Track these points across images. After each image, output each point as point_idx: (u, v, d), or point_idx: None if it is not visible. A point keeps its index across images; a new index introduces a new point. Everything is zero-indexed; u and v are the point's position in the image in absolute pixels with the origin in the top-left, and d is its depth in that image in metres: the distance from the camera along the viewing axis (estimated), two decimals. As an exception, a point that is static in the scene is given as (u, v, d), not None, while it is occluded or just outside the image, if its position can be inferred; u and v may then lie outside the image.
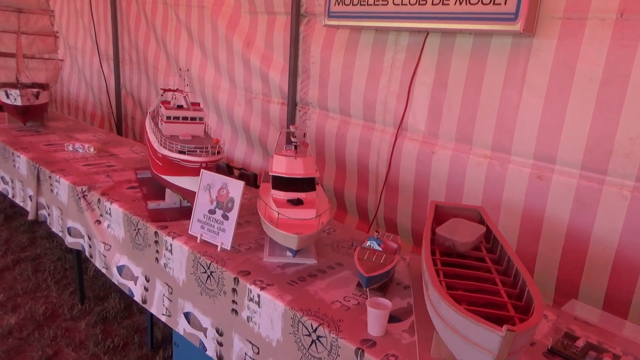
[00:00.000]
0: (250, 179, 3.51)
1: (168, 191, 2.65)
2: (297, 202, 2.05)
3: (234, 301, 1.99)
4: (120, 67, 5.82)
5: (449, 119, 2.81)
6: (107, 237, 2.76)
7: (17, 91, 3.93)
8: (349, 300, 1.84)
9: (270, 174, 2.17)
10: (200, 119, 2.80)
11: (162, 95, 3.14)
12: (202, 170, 2.30)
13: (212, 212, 2.24)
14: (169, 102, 2.91)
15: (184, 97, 2.83)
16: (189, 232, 2.31)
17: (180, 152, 2.36)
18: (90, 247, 2.92)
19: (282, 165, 2.16)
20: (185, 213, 2.59)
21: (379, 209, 3.27)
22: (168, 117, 2.71)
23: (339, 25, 3.15)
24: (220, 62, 4.31)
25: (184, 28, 4.62)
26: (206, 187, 2.27)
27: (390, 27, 2.97)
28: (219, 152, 2.41)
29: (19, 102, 3.99)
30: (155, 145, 2.62)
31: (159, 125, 2.84)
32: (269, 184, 2.44)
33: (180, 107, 2.87)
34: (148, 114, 3.20)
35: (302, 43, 3.63)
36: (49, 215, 3.30)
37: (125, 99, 5.89)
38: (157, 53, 5.10)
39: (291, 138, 2.41)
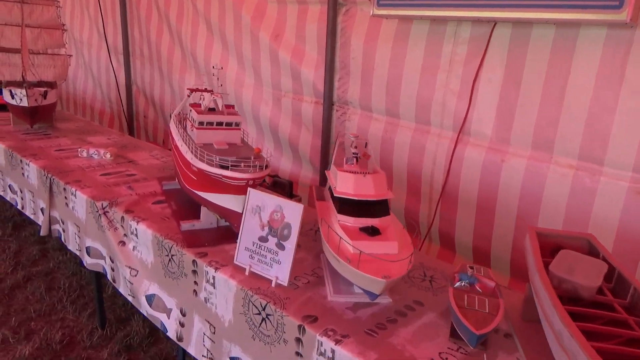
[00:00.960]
0: (286, 188, 3.16)
1: (204, 210, 2.29)
2: (373, 232, 1.69)
3: (298, 353, 1.64)
4: (131, 61, 5.43)
5: (523, 122, 2.43)
6: (134, 260, 2.40)
7: (23, 91, 3.55)
8: (446, 359, 1.49)
9: (336, 195, 1.80)
10: (237, 124, 2.44)
11: (189, 96, 2.77)
12: (249, 189, 1.94)
13: (263, 239, 1.88)
14: (199, 105, 2.54)
15: (214, 98, 2.45)
16: (235, 261, 1.95)
17: (222, 166, 1.99)
18: (113, 270, 2.56)
19: (349, 184, 1.80)
20: (224, 235, 2.23)
21: (434, 222, 2.91)
22: (201, 123, 2.35)
23: (390, 15, 2.76)
24: (244, 56, 3.92)
25: (203, 19, 4.23)
26: (255, 209, 1.91)
27: (450, 17, 2.59)
28: (266, 166, 2.04)
29: (25, 103, 3.62)
30: (188, 156, 2.26)
31: (189, 130, 2.47)
32: (326, 202, 2.08)
33: (212, 110, 2.50)
34: (173, 117, 2.83)
35: (341, 35, 3.24)
36: (63, 231, 2.94)
37: (136, 95, 5.51)
38: (171, 47, 4.71)
39: (351, 149, 2.04)
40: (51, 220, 3.03)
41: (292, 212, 1.81)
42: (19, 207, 3.41)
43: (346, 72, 3.25)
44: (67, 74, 3.94)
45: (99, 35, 5.77)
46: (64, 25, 4.05)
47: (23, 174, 3.25)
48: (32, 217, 3.26)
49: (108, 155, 3.28)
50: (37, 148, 3.45)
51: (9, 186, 3.50)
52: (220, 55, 4.16)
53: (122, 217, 2.45)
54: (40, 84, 3.79)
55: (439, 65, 2.73)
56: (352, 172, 1.84)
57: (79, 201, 2.69)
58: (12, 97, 3.64)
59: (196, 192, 2.27)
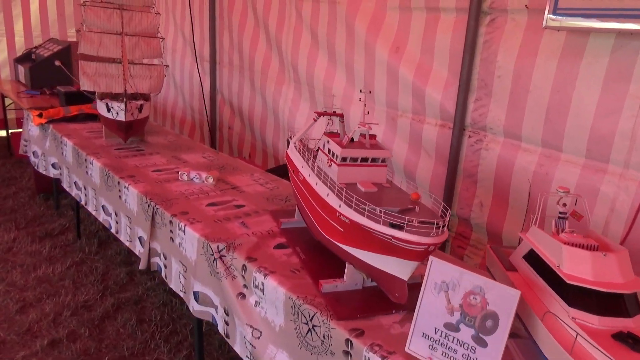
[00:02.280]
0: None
1: (350, 268, 1.85)
2: (635, 344, 1.18)
3: None
4: (217, 69, 5.14)
5: None
6: (256, 319, 2.00)
7: (121, 105, 3.27)
8: None
9: (569, 283, 1.30)
10: (384, 160, 1.99)
11: (315, 120, 2.36)
12: (433, 259, 1.48)
13: (452, 327, 1.42)
14: (337, 135, 2.11)
15: (361, 129, 2.01)
16: (407, 348, 1.50)
17: (392, 225, 1.54)
18: (227, 324, 2.18)
19: (586, 267, 1.30)
20: (376, 301, 1.78)
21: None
22: (344, 159, 1.92)
23: (566, 27, 2.24)
24: (355, 71, 3.49)
25: (307, 28, 3.83)
26: (440, 286, 1.45)
27: (651, 31, 2.05)
28: (444, 226, 1.57)
29: (122, 117, 3.33)
30: (332, 201, 1.83)
31: (322, 164, 2.05)
32: (519, 275, 1.59)
33: (352, 141, 2.06)
34: (293, 143, 2.42)
35: (482, 49, 2.74)
36: (165, 266, 2.60)
37: (221, 105, 5.21)
38: (268, 57, 4.35)
39: (559, 207, 1.54)
40: (151, 252, 2.70)
41: (502, 298, 1.33)
42: (113, 230, 3.11)
43: (486, 92, 2.75)
44: (162, 86, 3.64)
45: (184, 41, 5.52)
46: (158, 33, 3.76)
47: (120, 197, 2.95)
48: (127, 244, 2.95)
49: (210, 180, 2.92)
50: (134, 168, 3.14)
51: (103, 207, 3.22)
52: (326, 68, 3.75)
53: (244, 266, 2.05)
54: (135, 96, 3.50)
55: (626, 90, 2.18)
56: (586, 248, 1.34)
57: (189, 238, 2.33)
58: (109, 111, 3.36)
59: (341, 246, 1.83)
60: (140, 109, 3.38)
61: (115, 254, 3.94)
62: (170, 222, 2.46)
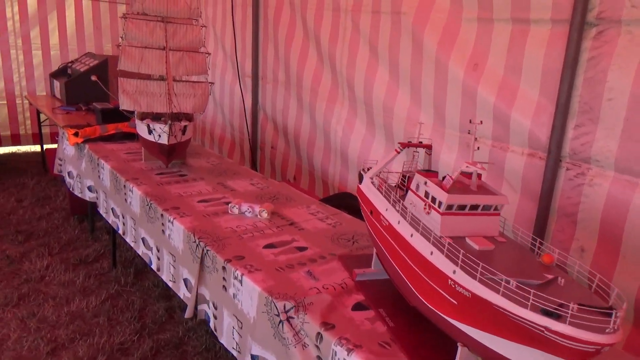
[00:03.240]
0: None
1: (464, 351, 1.44)
2: None
3: None
4: (260, 85, 4.81)
5: None
6: (336, 403, 1.62)
7: (165, 127, 2.94)
8: None
9: None
10: (498, 208, 1.59)
11: (398, 152, 1.98)
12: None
13: None
14: (434, 174, 1.71)
15: (472, 168, 1.61)
16: None
17: (545, 312, 1.14)
18: (294, 400, 1.80)
19: None
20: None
21: None
22: (449, 207, 1.52)
23: None
24: (422, 89, 3.10)
25: (365, 42, 3.46)
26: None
27: None
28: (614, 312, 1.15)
29: (164, 140, 3.01)
30: (441, 263, 1.43)
31: (415, 209, 1.66)
32: None
33: (455, 183, 1.66)
34: (369, 179, 2.04)
35: (587, 68, 2.32)
36: (215, 317, 2.24)
37: (263, 124, 4.87)
38: (318, 72, 4.00)
39: None
40: (198, 298, 2.34)
41: None
42: (154, 267, 2.78)
43: (592, 117, 2.32)
44: (206, 105, 3.31)
45: (225, 55, 5.23)
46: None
47: (163, 231, 2.61)
48: (170, 284, 2.61)
49: (265, 215, 2.56)
50: (177, 197, 2.80)
51: (143, 239, 2.89)
52: (387, 86, 3.36)
53: (319, 335, 1.66)
54: (178, 116, 3.18)
55: None
56: None
57: (247, 290, 1.96)
58: (150, 133, 3.04)
59: (453, 322, 1.43)
60: (183, 130, 3.06)
61: (153, 286, 3.61)
62: (224, 268, 2.10)
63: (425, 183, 1.65)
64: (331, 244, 2.34)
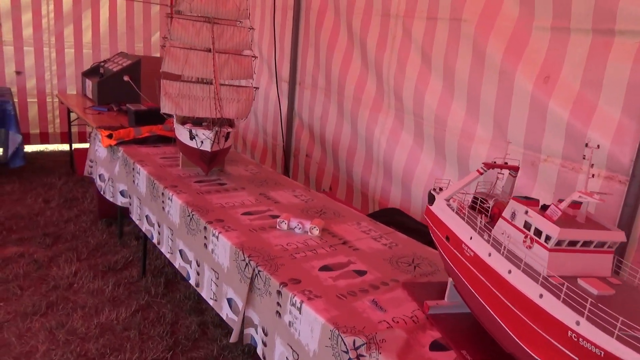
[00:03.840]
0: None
1: (583, 415, 1.23)
2: None
3: None
4: (297, 91, 4.64)
5: None
6: None
7: (209, 133, 2.76)
8: None
9: None
10: (612, 245, 1.37)
11: (481, 173, 1.77)
12: None
13: None
14: (535, 202, 1.50)
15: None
16: None
17: None
18: None
19: None
20: None
21: None
22: (559, 243, 1.31)
23: None
24: (481, 101, 2.88)
25: (417, 49, 3.26)
26: None
27: None
28: None
29: (207, 147, 2.84)
30: (557, 310, 1.21)
31: (509, 241, 1.45)
32: None
33: (558, 214, 1.44)
34: (445, 201, 1.83)
35: (682, 84, 2.09)
36: (265, 345, 2.04)
37: (298, 130, 4.69)
38: (362, 79, 3.80)
39: None
40: (245, 321, 2.15)
41: None
42: (192, 282, 2.60)
43: (685, 140, 2.08)
44: (250, 111, 3.13)
45: (261, 57, 5.06)
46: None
47: (206, 245, 2.43)
48: (210, 302, 2.42)
49: (316, 232, 2.36)
50: (220, 208, 2.62)
51: (180, 251, 2.71)
52: (440, 96, 3.15)
53: (397, 380, 1.46)
54: (220, 122, 3.01)
55: None
56: None
57: (307, 320, 1.76)
58: (192, 139, 2.87)
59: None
60: (226, 137, 2.88)
61: (184, 298, 3.43)
62: (279, 292, 1.90)
63: (527, 212, 1.43)
64: (391, 267, 2.13)
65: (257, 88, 3.12)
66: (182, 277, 3.65)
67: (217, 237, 2.33)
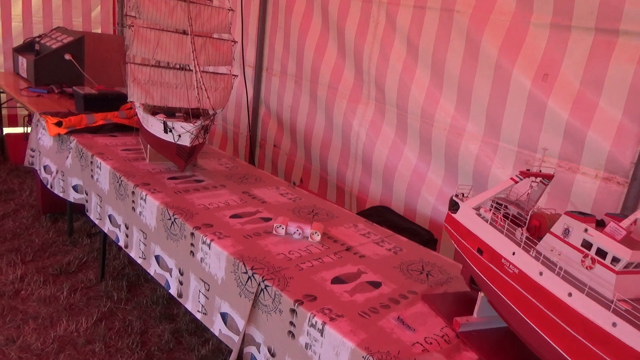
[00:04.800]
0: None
1: None
2: None
3: None
4: (263, 77, 4.37)
5: None
6: None
7: (189, 126, 2.47)
8: None
9: None
10: (672, 263, 1.30)
11: (516, 181, 1.66)
12: None
13: None
14: (591, 218, 1.40)
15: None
16: None
17: None
18: None
19: None
20: None
21: None
22: (628, 265, 1.22)
23: None
24: (473, 97, 2.80)
25: (402, 39, 3.11)
26: None
27: None
28: None
29: (185, 142, 2.54)
30: (632, 340, 1.12)
31: (562, 259, 1.35)
32: None
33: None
34: (474, 209, 1.71)
35: (688, 89, 2.09)
36: (272, 366, 1.85)
37: (264, 119, 4.44)
38: (339, 68, 3.61)
39: None
40: (246, 339, 1.94)
41: None
42: (174, 292, 2.33)
43: (688, 144, 2.10)
44: (228, 101, 2.86)
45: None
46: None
47: (193, 252, 2.17)
48: (198, 315, 2.18)
49: (317, 237, 2.18)
50: (204, 210, 2.37)
51: (157, 257, 2.43)
52: (427, 90, 3.03)
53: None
54: (196, 113, 2.72)
55: None
56: None
57: (331, 344, 1.59)
58: (167, 132, 2.57)
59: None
60: (206, 130, 2.60)
61: (152, 303, 3.13)
62: (293, 311, 1.71)
63: (587, 231, 1.33)
64: (403, 277, 1.99)
65: (235, 76, 2.84)
66: (146, 279, 3.35)
67: (209, 246, 2.08)
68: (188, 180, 2.75)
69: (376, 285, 1.90)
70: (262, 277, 1.84)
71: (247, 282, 1.89)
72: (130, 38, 2.59)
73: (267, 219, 2.36)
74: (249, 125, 4.45)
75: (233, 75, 2.84)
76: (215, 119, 2.83)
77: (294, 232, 2.20)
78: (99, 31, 6.00)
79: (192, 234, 2.17)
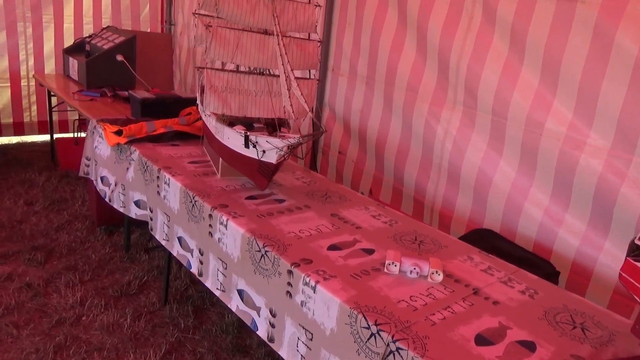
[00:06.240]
0: None
1: None
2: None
3: None
4: (328, 78, 3.98)
5: None
6: None
7: (277, 142, 2.10)
8: None
9: None
10: None
11: None
12: None
13: None
14: None
15: None
16: None
17: None
18: None
19: None
20: None
21: None
22: None
23: None
24: (600, 103, 2.35)
25: (505, 35, 2.68)
26: None
27: None
28: None
29: (271, 158, 2.18)
30: None
31: None
32: None
33: None
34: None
35: None
36: None
37: (329, 123, 4.06)
38: (418, 68, 3.20)
39: None
40: (363, 408, 1.57)
41: None
42: (263, 334, 1.98)
43: None
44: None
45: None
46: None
47: (290, 293, 1.82)
48: (295, 367, 1.82)
49: (439, 277, 1.79)
50: (296, 240, 2.01)
51: (240, 292, 2.08)
52: (535, 93, 2.60)
53: None
54: (278, 124, 2.36)
55: None
56: None
57: None
58: (248, 146, 2.21)
59: None
60: (296, 145, 2.23)
61: (221, 332, 2.80)
62: (443, 387, 1.33)
63: None
64: (556, 334, 1.59)
65: (319, 81, 2.47)
66: (212, 302, 3.03)
67: (315, 289, 1.71)
68: (268, 200, 2.40)
69: (530, 347, 1.50)
70: (393, 337, 1.46)
71: (367, 339, 1.52)
72: (207, 40, 2.24)
73: (369, 251, 1.99)
74: (312, 129, 4.08)
75: (316, 80, 2.47)
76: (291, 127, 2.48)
77: (410, 271, 1.81)
78: (148, 30, 5.72)
79: (291, 273, 1.81)
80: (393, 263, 1.82)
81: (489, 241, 2.42)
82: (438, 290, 1.75)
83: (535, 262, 2.28)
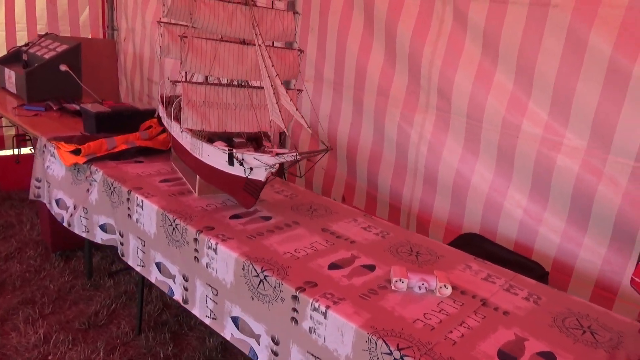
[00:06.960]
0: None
1: None
2: None
3: None
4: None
5: None
6: None
7: (266, 158, 1.99)
8: None
9: None
10: None
11: None
12: None
13: None
14: None
15: None
16: None
17: None
18: None
19: None
20: None
21: None
22: None
23: None
24: (574, 103, 2.42)
25: (476, 38, 2.71)
26: None
27: None
28: None
29: (260, 176, 2.06)
30: None
31: None
32: None
33: None
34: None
35: None
36: None
37: (294, 130, 3.97)
38: (388, 72, 3.18)
39: None
40: None
41: None
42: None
43: None
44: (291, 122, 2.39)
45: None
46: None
47: (295, 319, 1.72)
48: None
49: (447, 291, 1.76)
50: (294, 262, 1.91)
51: (234, 319, 1.96)
52: (510, 96, 2.64)
53: None
54: (256, 137, 2.25)
55: None
56: None
57: None
58: (232, 163, 2.08)
59: None
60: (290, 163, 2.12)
61: (204, 358, 2.65)
62: (479, 412, 1.29)
63: None
64: (570, 341, 1.60)
65: (300, 91, 2.38)
66: (189, 326, 2.87)
67: (325, 315, 1.63)
68: (253, 218, 2.28)
69: (551, 358, 1.50)
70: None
71: (391, 365, 1.46)
72: (182, 51, 2.08)
73: (371, 267, 1.93)
74: (279, 137, 3.97)
75: (298, 90, 2.38)
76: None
77: (417, 286, 1.77)
78: (89, 36, 5.36)
79: (296, 298, 1.71)
80: (400, 280, 1.76)
81: (478, 245, 2.43)
82: (448, 305, 1.72)
83: (527, 264, 2.31)
